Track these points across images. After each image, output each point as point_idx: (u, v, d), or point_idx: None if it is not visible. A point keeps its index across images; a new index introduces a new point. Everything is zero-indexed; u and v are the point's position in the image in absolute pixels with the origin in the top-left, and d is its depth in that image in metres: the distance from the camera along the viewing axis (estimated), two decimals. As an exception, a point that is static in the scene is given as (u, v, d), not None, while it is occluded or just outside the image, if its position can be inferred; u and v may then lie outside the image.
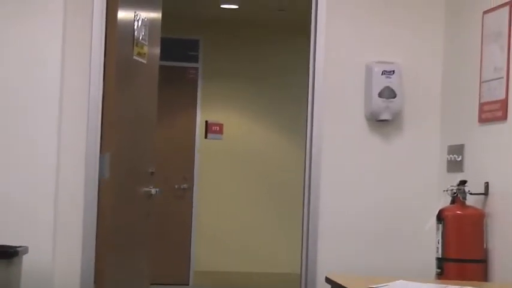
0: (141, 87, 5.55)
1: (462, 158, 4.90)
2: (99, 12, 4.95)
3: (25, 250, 4.42)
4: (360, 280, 3.68)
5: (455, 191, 4.63)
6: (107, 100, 4.95)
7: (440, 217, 4.58)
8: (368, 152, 5.14)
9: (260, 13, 10.09)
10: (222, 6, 9.80)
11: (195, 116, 10.22)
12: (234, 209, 10.40)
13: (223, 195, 10.41)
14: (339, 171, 5.11)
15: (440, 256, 4.55)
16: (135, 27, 5.37)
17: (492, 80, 4.59)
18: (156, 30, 5.75)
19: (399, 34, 5.21)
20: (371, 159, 5.14)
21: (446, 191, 4.69)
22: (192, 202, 10.12)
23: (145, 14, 5.51)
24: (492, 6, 4.64)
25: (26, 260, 4.48)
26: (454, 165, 4.97)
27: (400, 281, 3.57)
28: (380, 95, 5.07)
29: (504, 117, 4.47)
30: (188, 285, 9.93)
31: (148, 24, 5.56)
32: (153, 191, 5.59)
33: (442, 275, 4.50)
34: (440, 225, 4.57)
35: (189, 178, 10.09)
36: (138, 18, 5.40)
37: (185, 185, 10.02)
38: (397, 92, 5.09)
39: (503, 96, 4.48)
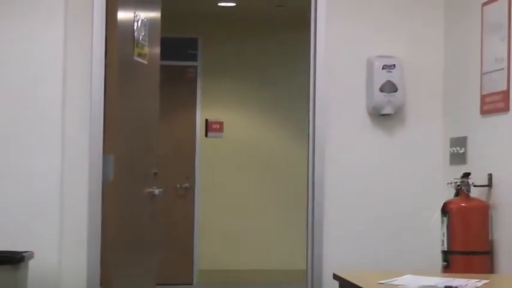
0: (143, 87, 5.54)
1: (465, 150, 4.90)
2: (99, 13, 4.95)
3: (31, 255, 4.42)
4: (367, 275, 3.67)
5: (459, 183, 4.64)
6: (109, 102, 4.94)
7: (445, 210, 4.58)
8: (371, 146, 5.14)
9: (258, 10, 10.08)
10: (220, 4, 9.79)
11: (195, 114, 10.22)
12: (236, 207, 10.39)
13: (225, 193, 10.39)
14: (342, 166, 5.11)
15: (446, 249, 4.56)
16: (135, 27, 5.36)
17: (493, 71, 4.59)
18: (155, 30, 5.74)
19: (399, 28, 5.21)
20: (374, 154, 5.14)
21: (450, 183, 4.69)
22: (194, 201, 10.12)
23: (145, 14, 5.50)
24: (491, -2, 4.65)
25: (32, 265, 4.48)
26: (457, 158, 4.97)
27: (408, 275, 3.56)
28: (381, 89, 5.08)
29: (506, 109, 4.47)
30: (192, 284, 9.94)
31: (148, 24, 5.55)
32: (156, 191, 5.59)
33: (448, 267, 4.50)
34: (445, 218, 4.57)
35: (191, 177, 10.09)
36: (137, 18, 5.39)
37: (187, 184, 10.02)
38: (398, 86, 5.09)
39: (504, 88, 4.48)
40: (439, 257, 4.63)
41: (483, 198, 4.61)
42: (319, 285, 5.04)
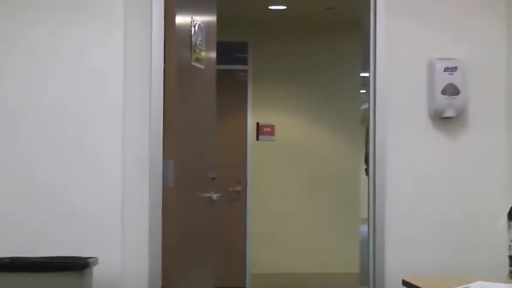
0: (200, 92, 5.53)
1: (531, 153, 4.81)
2: (157, 19, 4.93)
3: (95, 261, 4.42)
4: (438, 282, 3.62)
5: (526, 187, 4.55)
6: (168, 107, 4.93)
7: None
8: (433, 150, 5.07)
9: (308, 13, 10.05)
10: (270, 7, 9.77)
11: (246, 118, 10.21)
12: (288, 210, 10.36)
13: (277, 196, 10.37)
14: (404, 170, 5.05)
15: (513, 254, 4.46)
16: (192, 32, 5.35)
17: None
18: (211, 35, 5.73)
19: (460, 29, 5.13)
20: (437, 158, 5.07)
21: (517, 187, 4.61)
22: (246, 204, 10.11)
23: (201, 19, 5.49)
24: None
25: (96, 271, 4.48)
26: (522, 161, 4.89)
27: (479, 282, 3.51)
28: (443, 92, 5.00)
29: None
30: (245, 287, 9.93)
31: (205, 28, 5.54)
32: (214, 196, 5.58)
33: (516, 273, 4.41)
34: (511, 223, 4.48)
35: (242, 180, 10.07)
36: (194, 23, 5.38)
37: (239, 188, 10.01)
38: (460, 88, 5.02)
39: None
40: (505, 262, 4.53)
41: (550, 202, 4.52)
42: (381, 291, 4.99)
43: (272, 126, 10.34)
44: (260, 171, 10.27)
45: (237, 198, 10.00)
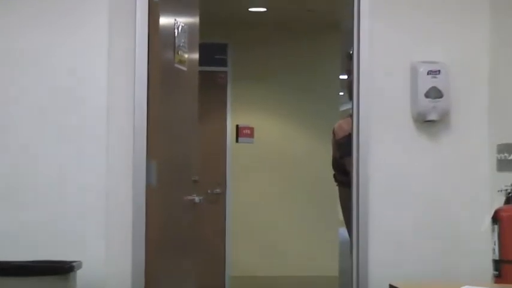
0: (183, 94, 5.51)
1: (513, 156, 4.83)
2: (141, 20, 4.91)
3: (79, 265, 4.38)
4: (424, 286, 3.62)
5: (509, 190, 4.56)
6: (152, 108, 4.91)
7: (496, 218, 4.51)
8: (416, 152, 5.07)
9: (288, 15, 10.05)
10: (250, 9, 9.76)
11: (226, 120, 10.19)
12: (268, 213, 10.35)
13: (257, 199, 10.36)
14: (387, 172, 5.05)
15: (497, 258, 4.47)
16: (176, 34, 5.33)
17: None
18: (194, 36, 5.71)
19: (443, 33, 5.14)
20: (420, 160, 5.07)
21: (501, 190, 4.62)
22: (225, 207, 10.08)
23: (184, 20, 5.47)
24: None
25: (79, 274, 4.45)
26: (505, 164, 4.90)
27: (466, 286, 3.51)
28: (426, 95, 5.01)
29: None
30: (224, 290, 9.91)
31: (188, 30, 5.52)
32: (196, 199, 5.56)
33: (499, 277, 4.42)
34: (496, 226, 4.49)
35: (222, 183, 10.05)
36: (178, 25, 5.36)
37: (218, 190, 9.98)
38: (443, 91, 5.03)
39: (555, 93, 4.42)
40: (489, 266, 4.56)
41: (534, 205, 4.54)
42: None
43: (251, 129, 10.33)
44: (240, 173, 10.25)
45: (216, 201, 9.98)
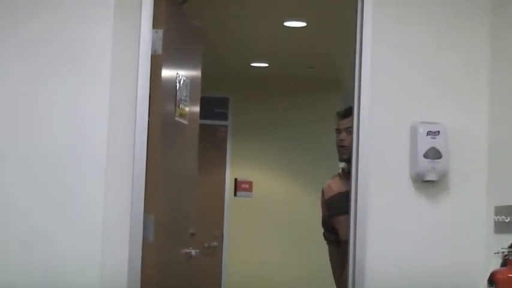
0: (183, 148, 5.53)
1: (511, 219, 4.82)
2: (143, 72, 4.93)
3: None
4: None
5: (506, 253, 4.55)
6: (151, 161, 4.91)
7: (492, 280, 4.49)
8: (414, 212, 5.07)
9: (289, 71, 10.13)
10: (252, 64, 9.84)
11: (225, 173, 10.21)
12: (264, 267, 10.30)
13: (254, 253, 10.33)
14: (385, 232, 5.04)
15: (493, 321, 4.46)
16: (177, 87, 5.37)
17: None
18: (196, 90, 5.76)
19: (443, 94, 5.17)
20: (417, 220, 5.07)
21: (497, 253, 4.61)
22: (222, 260, 10.05)
23: (186, 73, 5.51)
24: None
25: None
26: (502, 226, 4.89)
27: None
28: (425, 155, 5.03)
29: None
30: None
31: (189, 83, 5.56)
32: (193, 252, 5.55)
33: None
34: (492, 289, 4.48)
35: (219, 236, 10.03)
36: (180, 78, 5.40)
37: (215, 243, 9.96)
38: (442, 152, 5.05)
39: (554, 157, 4.43)
40: (485, 329, 4.53)
41: (531, 269, 4.52)
42: None
43: (250, 183, 10.35)
44: (237, 227, 10.24)
45: (212, 254, 9.95)
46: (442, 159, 5.05)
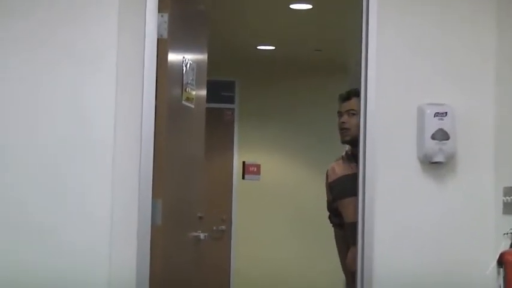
0: (190, 132, 5.53)
1: (519, 199, 4.82)
2: (150, 57, 4.92)
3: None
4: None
5: (515, 234, 4.56)
6: (158, 146, 4.91)
7: (501, 261, 4.49)
8: (422, 194, 5.06)
9: (296, 53, 10.10)
10: (259, 47, 9.82)
11: (232, 157, 10.21)
12: (272, 250, 10.32)
13: (262, 236, 10.34)
14: (393, 214, 5.03)
15: (503, 301, 4.46)
16: (184, 71, 5.36)
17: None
18: (202, 74, 5.75)
19: (450, 75, 5.15)
20: (425, 202, 5.06)
21: (506, 234, 4.61)
22: (230, 244, 10.07)
23: (193, 57, 5.50)
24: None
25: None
26: (511, 207, 4.89)
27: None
28: (433, 137, 5.02)
29: None
30: (228, 328, 9.86)
31: (196, 67, 5.55)
32: (201, 235, 5.55)
33: (504, 320, 4.40)
34: (501, 270, 4.48)
35: (227, 220, 10.04)
36: (186, 62, 5.39)
37: (223, 227, 9.97)
38: (450, 133, 5.03)
39: (562, 137, 4.42)
40: (494, 310, 4.54)
41: (540, 249, 4.52)
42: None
43: (258, 166, 10.35)
44: (245, 210, 10.24)
45: (221, 237, 9.96)
46: (449, 140, 5.04)
